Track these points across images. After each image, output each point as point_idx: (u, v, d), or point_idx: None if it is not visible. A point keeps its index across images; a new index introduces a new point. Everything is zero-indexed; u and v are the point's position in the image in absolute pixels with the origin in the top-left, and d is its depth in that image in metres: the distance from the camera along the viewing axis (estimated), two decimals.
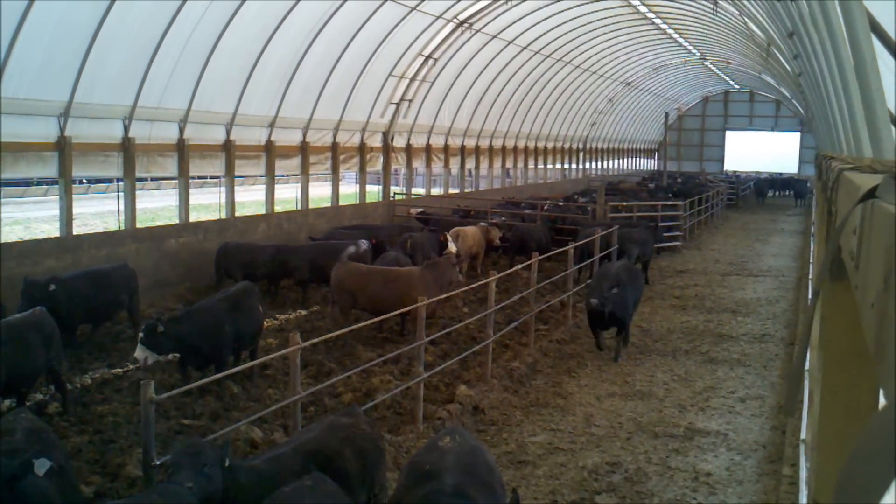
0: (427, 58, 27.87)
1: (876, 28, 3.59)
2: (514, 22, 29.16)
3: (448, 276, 14.72)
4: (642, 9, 32.94)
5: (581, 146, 49.77)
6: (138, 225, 18.69)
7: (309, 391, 9.35)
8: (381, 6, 22.36)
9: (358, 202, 27.38)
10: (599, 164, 54.75)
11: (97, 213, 33.90)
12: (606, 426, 11.20)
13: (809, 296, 14.54)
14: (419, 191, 33.84)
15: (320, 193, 29.57)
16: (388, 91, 26.90)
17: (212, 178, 27.14)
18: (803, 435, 9.11)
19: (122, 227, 18.18)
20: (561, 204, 31.79)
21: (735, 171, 64.95)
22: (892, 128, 3.39)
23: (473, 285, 15.17)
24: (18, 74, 14.67)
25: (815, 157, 25.18)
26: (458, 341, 14.68)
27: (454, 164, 33.82)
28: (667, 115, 52.19)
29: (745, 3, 21.11)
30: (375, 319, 12.23)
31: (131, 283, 14.32)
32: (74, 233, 17.05)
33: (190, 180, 19.73)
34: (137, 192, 18.75)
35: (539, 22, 30.24)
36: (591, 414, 11.68)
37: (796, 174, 60.66)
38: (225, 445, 6.23)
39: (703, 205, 35.18)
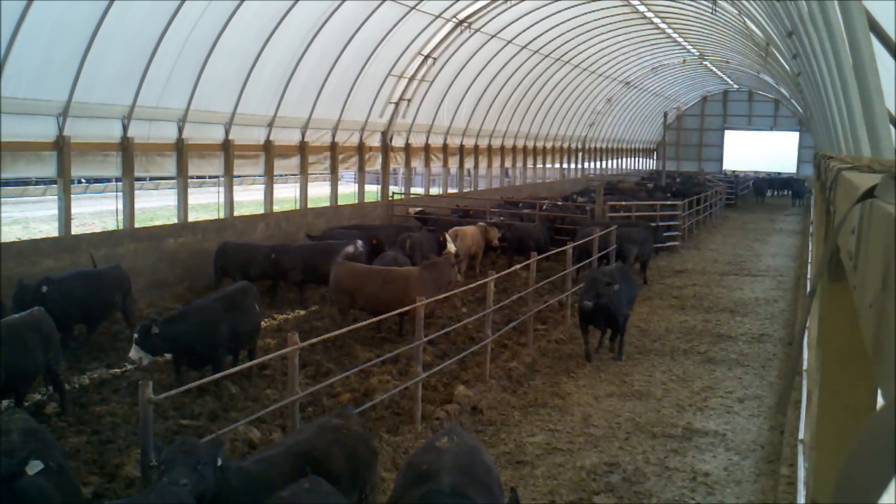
0: (426, 57, 27.86)
1: (875, 28, 3.59)
2: (514, 21, 29.16)
3: (447, 276, 14.72)
4: (641, 8, 32.94)
5: (580, 146, 49.77)
6: (137, 225, 18.68)
7: (307, 391, 9.35)
8: (379, 6, 22.35)
9: (357, 202, 27.37)
10: (598, 163, 54.76)
11: (96, 212, 33.87)
12: (605, 426, 11.20)
13: (807, 295, 14.57)
14: (418, 190, 33.83)
15: (319, 193, 29.56)
16: (386, 91, 26.89)
17: (210, 177, 27.09)
18: (801, 435, 9.12)
19: (121, 227, 18.16)
20: (560, 204, 31.80)
21: (734, 171, 64.97)
22: (891, 127, 3.39)
23: (472, 285, 15.16)
24: (17, 74, 14.66)
25: (813, 156, 25.20)
26: (457, 341, 14.67)
27: (453, 163, 33.81)
28: (665, 114, 52.19)
29: (744, 2, 21.12)
30: (374, 319, 12.23)
31: (124, 284, 14.25)
32: (73, 232, 17.05)
33: (189, 180, 19.71)
34: (136, 192, 18.74)
35: (538, 21, 30.23)
36: (589, 414, 11.68)
37: (795, 174, 60.68)
38: (218, 445, 6.24)
39: (701, 204, 35.20)
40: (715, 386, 13.20)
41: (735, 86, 63.54)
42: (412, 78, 27.96)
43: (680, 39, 40.59)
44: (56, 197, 17.25)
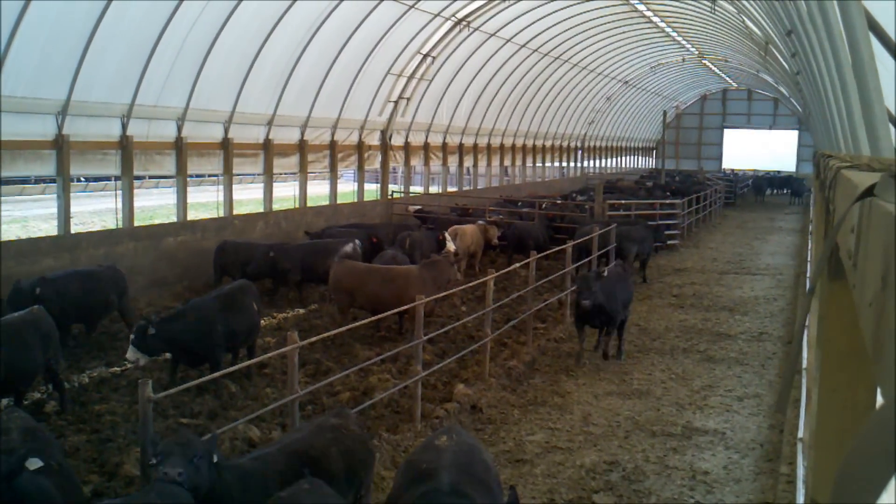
0: (425, 56, 27.85)
1: (874, 27, 3.59)
2: (513, 20, 29.16)
3: (446, 275, 14.72)
4: (640, 7, 32.94)
5: (579, 144, 49.78)
6: (136, 223, 18.66)
7: (307, 390, 9.34)
8: (378, 5, 22.35)
9: (356, 200, 27.36)
10: (597, 162, 54.76)
11: (95, 211, 33.87)
12: (604, 425, 11.21)
13: (806, 293, 14.59)
14: (417, 189, 33.83)
15: (318, 192, 29.55)
16: (385, 89, 26.89)
17: (210, 176, 27.06)
18: (801, 433, 9.13)
19: (120, 226, 18.16)
20: (559, 202, 31.79)
21: (733, 170, 64.98)
22: (890, 126, 3.40)
23: (471, 284, 15.16)
24: (16, 73, 14.65)
25: (813, 155, 25.20)
26: (456, 340, 14.67)
27: (452, 162, 33.81)
28: (665, 113, 52.13)
29: (744, 1, 21.12)
30: (373, 318, 12.23)
31: (120, 284, 14.20)
32: (72, 231, 17.04)
33: (188, 178, 19.71)
34: (135, 191, 18.73)
35: (537, 20, 30.23)
36: (588, 413, 11.68)
37: (794, 172, 60.68)
38: (213, 441, 6.23)
39: (700, 203, 35.21)
40: (714, 384, 13.20)
41: (734, 84, 63.55)
42: (411, 77, 27.95)
43: (679, 38, 40.59)
44: (55, 196, 17.24)
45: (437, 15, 25.67)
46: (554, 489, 9.08)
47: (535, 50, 33.39)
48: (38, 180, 40.75)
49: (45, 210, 32.28)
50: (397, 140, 29.07)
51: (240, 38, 19.39)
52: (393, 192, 29.87)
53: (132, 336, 10.96)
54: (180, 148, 19.07)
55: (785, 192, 55.99)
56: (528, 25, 30.40)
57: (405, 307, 12.00)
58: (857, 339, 2.57)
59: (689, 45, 43.12)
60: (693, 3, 30.11)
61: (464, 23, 27.50)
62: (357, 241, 18.41)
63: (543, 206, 28.97)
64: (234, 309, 11.87)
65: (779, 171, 62.17)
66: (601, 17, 32.99)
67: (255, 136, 21.74)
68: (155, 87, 17.88)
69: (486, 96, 33.52)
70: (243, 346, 12.41)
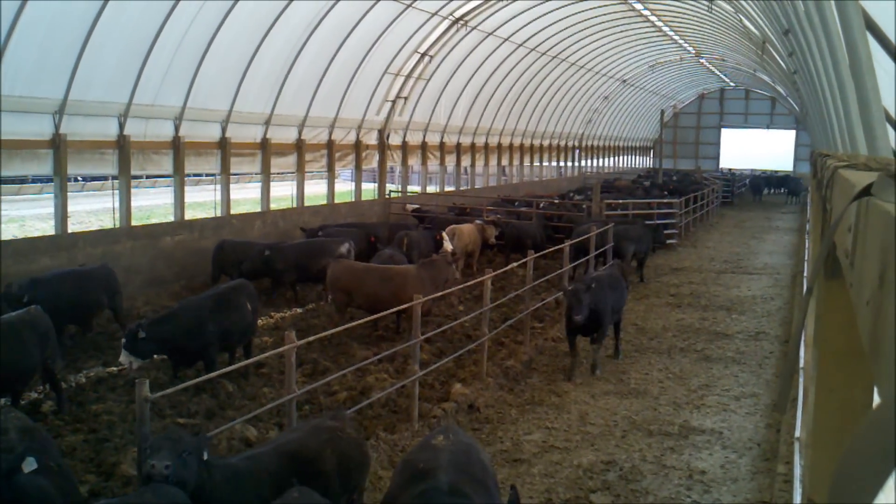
0: (423, 55, 27.85)
1: (871, 26, 3.59)
2: (510, 19, 29.16)
3: (444, 274, 14.72)
4: (638, 6, 32.94)
5: (577, 144, 49.79)
6: (133, 223, 18.63)
7: (304, 389, 9.35)
8: (376, 4, 22.33)
9: (353, 200, 27.35)
10: (595, 161, 54.78)
11: (92, 210, 33.84)
12: (601, 424, 11.21)
13: (804, 293, 14.61)
14: (415, 188, 33.83)
15: (316, 191, 29.54)
16: (383, 88, 26.88)
17: (207, 175, 27.03)
18: (798, 433, 9.13)
19: (118, 225, 18.13)
20: (556, 201, 31.80)
21: (730, 169, 65.03)
22: (888, 126, 3.40)
23: (469, 283, 15.16)
24: (13, 72, 14.62)
25: (810, 154, 25.22)
26: (454, 339, 14.67)
27: (450, 161, 33.80)
28: (662, 112, 52.16)
29: (741, 0, 21.13)
30: (371, 318, 12.22)
31: (112, 283, 14.14)
32: (69, 230, 17.02)
33: (185, 178, 19.69)
34: (133, 190, 18.70)
35: (535, 19, 30.22)
36: (586, 412, 11.68)
37: (792, 172, 60.74)
38: (204, 439, 6.21)
39: (698, 202, 35.23)
40: (711, 384, 13.21)
41: (732, 84, 63.59)
42: (409, 76, 27.94)
43: (677, 37, 40.61)
44: (52, 195, 17.22)
45: (435, 14, 25.67)
46: (551, 489, 9.09)
47: (533, 49, 33.39)
48: (35, 180, 40.67)
49: (42, 209, 32.22)
50: (395, 139, 29.06)
51: (237, 37, 19.37)
52: (390, 191, 29.86)
53: (123, 340, 10.94)
54: (178, 147, 19.05)
55: (782, 191, 56.06)
56: (526, 24, 30.40)
57: (403, 307, 12.00)
58: (854, 338, 2.57)
59: (686, 45, 43.15)
60: (690, 2, 30.11)
61: (461, 22, 27.50)
62: (350, 242, 18.34)
63: (541, 205, 28.98)
64: (226, 308, 11.83)
65: (776, 171, 62.22)
66: (599, 16, 33.00)
67: (252, 136, 21.73)
68: (152, 87, 17.85)
69: (483, 95, 33.51)
70: (237, 345, 12.38)
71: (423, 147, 31.07)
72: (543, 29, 31.74)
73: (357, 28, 22.84)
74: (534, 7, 28.87)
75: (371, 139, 27.55)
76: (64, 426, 10.11)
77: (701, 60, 49.25)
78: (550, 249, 19.80)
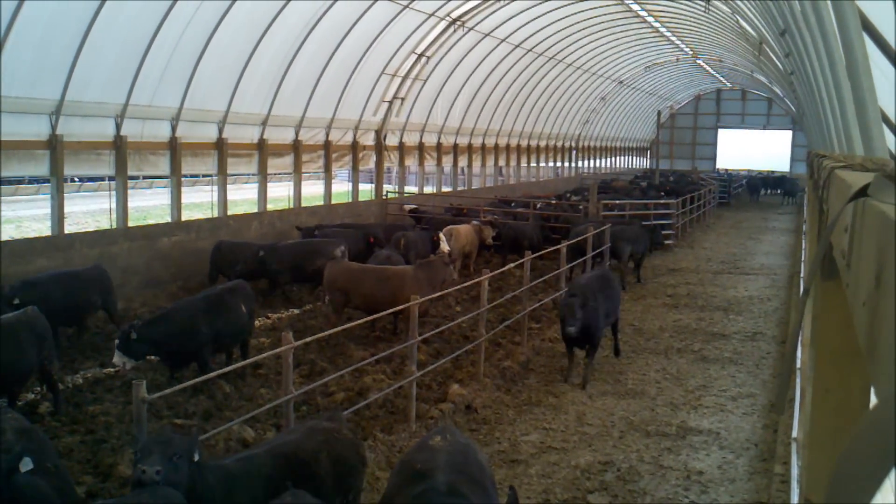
0: (420, 56, 27.85)
1: (868, 27, 3.60)
2: (507, 20, 29.16)
3: (441, 275, 14.71)
4: (635, 7, 32.98)
5: (574, 144, 49.81)
6: (130, 224, 18.61)
7: (301, 390, 9.34)
8: (373, 4, 22.33)
9: (350, 200, 27.34)
10: (592, 162, 54.81)
11: (88, 211, 33.81)
12: (599, 425, 11.21)
13: (800, 294, 14.63)
14: (412, 189, 33.83)
15: (313, 192, 29.54)
16: (380, 89, 26.87)
17: (204, 176, 27.04)
18: (795, 433, 9.14)
19: (114, 226, 18.11)
20: (553, 202, 31.80)
21: (727, 170, 65.09)
22: (884, 126, 3.40)
23: (466, 284, 15.16)
24: (10, 72, 14.58)
25: (806, 155, 25.25)
26: (451, 340, 14.66)
27: (447, 162, 33.81)
28: (659, 113, 52.17)
29: (738, 1, 21.16)
30: (368, 318, 12.21)
31: (104, 284, 14.08)
32: (66, 231, 17.00)
33: (182, 179, 19.67)
34: (129, 191, 18.69)
35: (532, 20, 30.24)
36: (583, 413, 11.69)
37: (788, 172, 60.81)
38: (194, 440, 6.17)
39: (695, 203, 35.25)
40: (709, 384, 13.22)
41: (728, 84, 63.66)
42: (406, 77, 27.94)
43: (673, 38, 40.65)
44: (49, 196, 17.20)
45: (432, 15, 25.67)
46: (549, 489, 9.09)
47: (530, 50, 33.41)
48: (32, 180, 40.63)
49: (38, 210, 32.18)
50: (392, 140, 29.05)
51: (234, 38, 19.36)
52: (387, 192, 29.85)
53: (117, 341, 10.94)
54: (175, 148, 19.03)
55: (779, 192, 56.13)
56: (523, 25, 30.41)
57: (400, 307, 11.99)
58: (850, 338, 2.58)
59: (683, 45, 43.20)
60: (687, 2, 30.14)
61: (458, 23, 27.50)
62: (343, 245, 18.25)
63: (538, 206, 28.98)
64: (219, 310, 11.80)
65: (772, 171, 62.30)
66: (596, 16, 33.02)
67: (249, 136, 21.71)
68: (149, 87, 17.84)
69: (480, 96, 33.52)
70: (231, 347, 12.37)
71: (420, 148, 31.07)
72: (540, 30, 31.76)
73: (354, 29, 22.84)
74: (531, 8, 28.88)
75: (368, 140, 27.55)
76: (61, 427, 10.09)
77: (698, 61, 49.30)
78: (547, 250, 19.81)
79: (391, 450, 9.57)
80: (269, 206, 23.03)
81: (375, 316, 12.02)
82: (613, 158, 60.47)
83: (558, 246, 17.74)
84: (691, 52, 45.65)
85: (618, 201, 30.30)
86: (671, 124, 68.23)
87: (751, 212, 45.40)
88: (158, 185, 42.24)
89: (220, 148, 20.52)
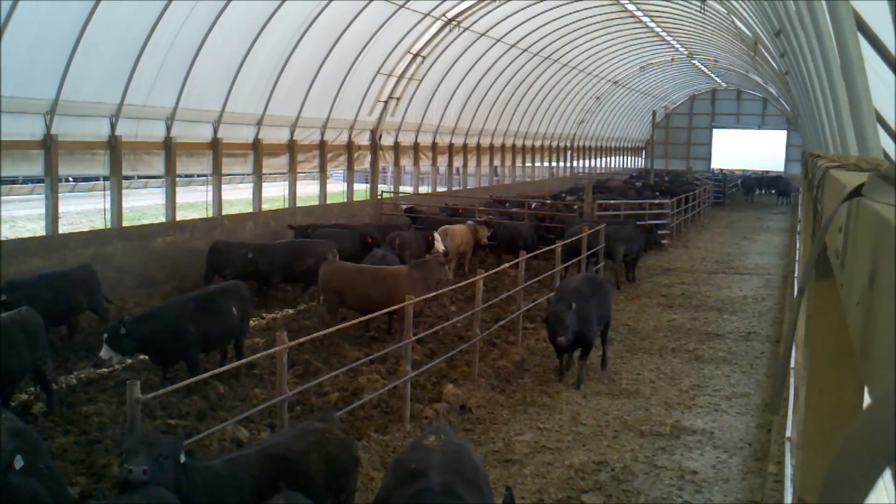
0: (415, 56, 27.85)
1: (863, 27, 3.60)
2: (503, 20, 29.19)
3: (436, 275, 14.71)
4: (630, 7, 33.04)
5: (569, 144, 49.86)
6: (125, 224, 18.59)
7: (296, 390, 9.33)
8: (368, 4, 22.33)
9: (346, 200, 27.32)
10: (587, 162, 54.87)
11: (83, 211, 33.72)
12: (593, 425, 11.22)
13: (795, 294, 14.65)
14: (407, 189, 33.82)
15: (308, 192, 29.51)
16: (375, 89, 26.87)
17: (199, 176, 26.96)
18: (789, 433, 9.15)
19: (109, 226, 18.07)
20: (548, 202, 31.83)
21: (722, 170, 65.21)
22: (878, 126, 3.41)
23: (461, 284, 15.18)
24: (4, 72, 14.53)
25: (801, 155, 25.30)
26: (446, 340, 14.66)
27: (442, 162, 33.82)
28: (654, 113, 52.35)
29: (733, 1, 21.19)
30: (363, 318, 12.21)
31: (91, 284, 14.01)
32: (60, 231, 16.96)
33: (177, 178, 19.64)
34: (124, 191, 18.66)
35: (527, 20, 30.27)
36: (577, 412, 11.69)
37: (783, 172, 60.93)
38: (179, 439, 6.14)
39: (690, 203, 35.30)
40: (703, 384, 13.23)
41: (723, 84, 63.81)
42: (401, 76, 27.94)
43: (669, 38, 40.72)
44: (43, 196, 17.15)
45: (428, 14, 25.67)
46: (543, 489, 9.09)
47: (525, 50, 33.43)
48: (26, 180, 40.54)
49: (32, 210, 32.11)
50: (387, 140, 29.05)
51: (229, 37, 19.34)
52: (382, 192, 29.84)
53: (105, 335, 10.94)
54: (169, 148, 19.00)
55: (773, 192, 56.24)
56: (518, 25, 30.44)
57: (395, 307, 11.99)
58: (844, 338, 2.58)
59: (678, 46, 43.27)
60: (683, 3, 30.20)
61: (454, 22, 27.51)
62: (334, 250, 18.17)
63: (533, 205, 29.00)
64: (208, 311, 11.76)
65: (767, 171, 62.41)
66: (591, 16, 33.06)
67: (244, 136, 21.69)
68: (144, 87, 17.81)
69: (475, 96, 33.54)
70: (221, 347, 12.34)
71: (416, 147, 31.07)
72: (535, 30, 31.79)
73: (349, 28, 22.83)
74: (526, 8, 28.91)
75: (363, 140, 27.54)
76: (54, 428, 10.07)
77: (693, 61, 49.37)
78: (542, 250, 19.81)
79: (385, 450, 9.56)
80: (265, 206, 23.02)
81: (370, 316, 12.02)
82: (608, 158, 60.56)
83: (553, 246, 17.74)
84: (686, 53, 45.74)
85: (613, 201, 30.32)
86: (666, 124, 68.37)
87: (745, 212, 45.47)
88: (153, 184, 42.08)
89: (216, 148, 20.49)
